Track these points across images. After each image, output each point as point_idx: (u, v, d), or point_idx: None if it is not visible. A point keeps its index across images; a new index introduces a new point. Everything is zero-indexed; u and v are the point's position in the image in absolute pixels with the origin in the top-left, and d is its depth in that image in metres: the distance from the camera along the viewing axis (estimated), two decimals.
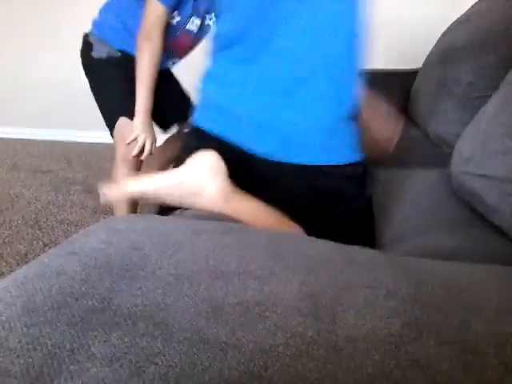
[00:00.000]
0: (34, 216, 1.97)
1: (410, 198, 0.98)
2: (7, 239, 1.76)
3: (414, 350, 0.36)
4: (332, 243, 0.57)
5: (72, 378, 0.32)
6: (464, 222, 0.81)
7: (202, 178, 0.76)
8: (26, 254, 1.64)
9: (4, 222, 1.91)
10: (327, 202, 0.84)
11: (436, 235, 0.78)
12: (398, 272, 0.47)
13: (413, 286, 0.44)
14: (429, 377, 0.34)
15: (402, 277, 0.46)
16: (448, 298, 0.43)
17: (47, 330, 0.36)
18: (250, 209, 0.78)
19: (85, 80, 3.10)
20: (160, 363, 0.34)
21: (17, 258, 1.61)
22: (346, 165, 0.83)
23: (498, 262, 0.57)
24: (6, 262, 1.58)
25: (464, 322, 0.39)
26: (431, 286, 0.44)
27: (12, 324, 0.37)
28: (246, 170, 0.82)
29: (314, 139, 0.82)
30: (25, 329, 0.36)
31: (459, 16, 1.51)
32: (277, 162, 0.82)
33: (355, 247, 0.56)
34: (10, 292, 0.40)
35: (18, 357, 0.34)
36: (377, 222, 0.92)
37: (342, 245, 0.56)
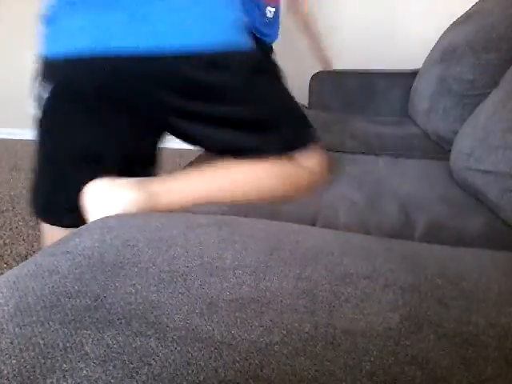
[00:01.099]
0: (34, 217, 1.97)
1: (410, 180, 0.96)
2: (8, 240, 1.75)
3: (413, 344, 0.35)
4: (330, 231, 0.56)
5: (65, 377, 0.32)
6: (466, 205, 0.80)
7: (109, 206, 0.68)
8: (26, 256, 1.63)
9: (5, 223, 1.91)
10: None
11: (437, 213, 0.77)
12: (397, 260, 0.46)
13: (412, 274, 0.44)
14: (428, 373, 0.33)
15: (401, 265, 0.45)
16: (447, 287, 0.42)
17: (40, 330, 0.36)
18: (187, 191, 0.73)
19: None
20: (154, 364, 0.33)
21: (17, 259, 1.61)
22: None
23: (501, 247, 0.57)
24: (6, 263, 1.58)
25: (464, 313, 0.39)
26: (430, 275, 0.44)
27: (4, 324, 0.36)
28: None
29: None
30: (17, 329, 0.36)
31: (460, 15, 1.50)
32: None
33: (354, 234, 0.55)
34: (2, 292, 0.40)
35: (10, 357, 0.33)
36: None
37: (340, 232, 0.55)
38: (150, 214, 0.60)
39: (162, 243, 0.48)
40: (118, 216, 0.57)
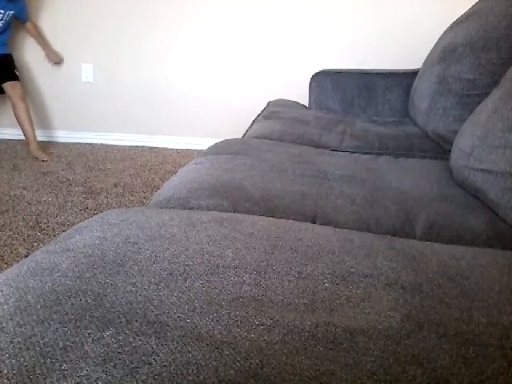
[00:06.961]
0: (34, 217, 1.97)
1: (410, 179, 0.96)
2: (8, 241, 1.75)
3: (414, 343, 0.35)
4: (331, 229, 0.56)
5: (65, 376, 0.32)
6: (466, 204, 0.80)
7: None
8: (26, 256, 1.63)
9: (5, 223, 1.91)
10: None
11: (437, 212, 0.77)
12: (398, 258, 0.46)
13: (413, 273, 0.43)
14: (429, 372, 0.33)
15: (402, 263, 0.45)
16: (449, 286, 0.42)
17: (40, 329, 0.35)
18: None
19: (86, 80, 3.11)
20: (154, 363, 0.33)
21: (17, 259, 1.61)
22: None
23: (502, 246, 0.56)
24: (6, 263, 1.58)
25: (465, 312, 0.39)
26: (432, 274, 0.44)
27: (4, 324, 0.36)
28: None
29: None
30: (17, 328, 0.36)
31: (460, 15, 1.50)
32: None
33: (354, 232, 0.55)
34: (2, 290, 0.40)
35: (10, 357, 0.33)
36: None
37: (341, 230, 0.55)
38: (151, 210, 0.59)
39: (163, 240, 0.48)
40: (118, 212, 0.57)
